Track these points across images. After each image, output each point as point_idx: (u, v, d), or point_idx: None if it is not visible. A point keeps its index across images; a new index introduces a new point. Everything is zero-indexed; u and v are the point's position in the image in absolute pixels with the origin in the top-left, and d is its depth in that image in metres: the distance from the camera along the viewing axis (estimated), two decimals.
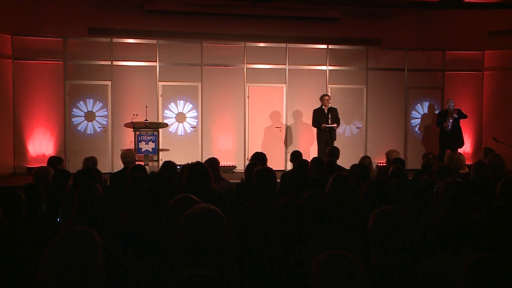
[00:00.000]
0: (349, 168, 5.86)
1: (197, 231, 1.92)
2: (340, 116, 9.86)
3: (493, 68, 11.47)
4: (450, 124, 9.94)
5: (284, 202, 2.67)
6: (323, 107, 9.62)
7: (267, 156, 6.11)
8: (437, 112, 11.06)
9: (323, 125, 9.40)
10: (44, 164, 6.08)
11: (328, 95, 9.84)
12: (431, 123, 11.29)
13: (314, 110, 9.75)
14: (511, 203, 3.76)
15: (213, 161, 5.41)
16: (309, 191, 3.45)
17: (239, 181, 5.96)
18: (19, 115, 9.94)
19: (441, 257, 2.74)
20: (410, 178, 6.33)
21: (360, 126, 11.17)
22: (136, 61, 10.43)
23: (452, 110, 10.00)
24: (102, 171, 7.02)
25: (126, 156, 6.38)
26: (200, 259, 1.91)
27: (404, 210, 2.52)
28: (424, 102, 11.47)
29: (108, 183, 5.89)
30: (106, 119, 10.32)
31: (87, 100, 10.26)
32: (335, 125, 9.55)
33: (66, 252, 1.84)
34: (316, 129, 9.72)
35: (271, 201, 2.89)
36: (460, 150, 9.49)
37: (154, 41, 10.46)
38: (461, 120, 10.09)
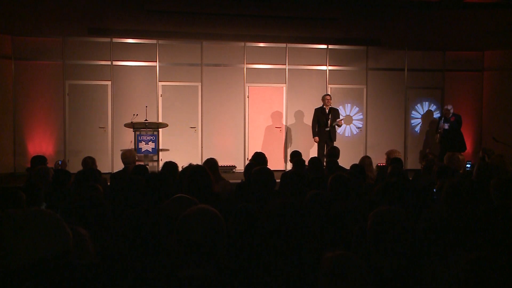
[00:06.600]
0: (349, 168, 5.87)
1: (195, 232, 1.93)
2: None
3: (493, 68, 11.47)
4: (441, 130, 9.99)
5: (281, 203, 2.67)
6: (324, 107, 9.64)
7: (267, 156, 6.10)
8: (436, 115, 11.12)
9: (326, 128, 9.50)
10: (44, 164, 6.09)
11: (330, 95, 9.83)
12: (431, 123, 11.30)
13: (315, 109, 9.76)
14: (504, 202, 3.76)
15: (212, 162, 5.42)
16: (311, 190, 3.46)
17: (238, 181, 5.96)
18: (19, 115, 9.94)
19: (440, 257, 2.74)
20: (410, 178, 6.33)
21: (361, 126, 11.18)
22: (136, 61, 10.43)
23: (447, 117, 10.00)
24: (102, 171, 6.99)
25: (126, 156, 6.39)
26: (198, 259, 1.91)
27: (404, 210, 2.52)
28: (424, 102, 11.48)
29: (109, 183, 5.90)
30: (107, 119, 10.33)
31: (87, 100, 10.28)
32: (342, 120, 9.73)
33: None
34: (314, 128, 9.74)
35: (270, 201, 2.89)
36: None
37: (154, 41, 10.46)
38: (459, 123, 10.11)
